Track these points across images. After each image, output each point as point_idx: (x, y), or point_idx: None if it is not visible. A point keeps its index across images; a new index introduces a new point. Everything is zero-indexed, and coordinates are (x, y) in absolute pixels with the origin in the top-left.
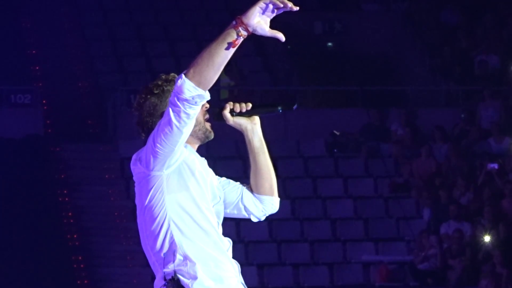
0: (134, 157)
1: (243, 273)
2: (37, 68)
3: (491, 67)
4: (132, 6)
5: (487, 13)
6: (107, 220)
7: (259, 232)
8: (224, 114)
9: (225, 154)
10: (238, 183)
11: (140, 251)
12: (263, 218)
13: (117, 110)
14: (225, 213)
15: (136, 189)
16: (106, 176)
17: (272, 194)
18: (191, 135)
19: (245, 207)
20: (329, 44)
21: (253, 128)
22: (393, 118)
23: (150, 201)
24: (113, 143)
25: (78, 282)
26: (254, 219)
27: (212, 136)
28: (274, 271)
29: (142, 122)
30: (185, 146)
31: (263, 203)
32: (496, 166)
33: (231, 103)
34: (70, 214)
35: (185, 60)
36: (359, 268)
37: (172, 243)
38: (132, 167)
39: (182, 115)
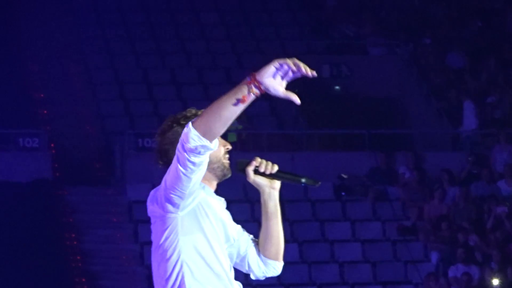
0: (152, 193)
1: None
2: (44, 111)
3: (501, 110)
4: (139, 50)
5: (491, 55)
6: (114, 264)
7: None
8: (247, 170)
9: (233, 197)
10: (251, 237)
11: None
12: (262, 279)
13: (125, 153)
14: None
15: (152, 227)
16: (114, 219)
17: (277, 259)
18: (209, 171)
19: (248, 264)
20: (337, 87)
21: (270, 192)
22: (400, 161)
23: (164, 241)
24: (120, 187)
25: None
26: (253, 277)
27: (229, 174)
28: None
29: (162, 150)
30: (203, 187)
31: (266, 266)
32: (505, 209)
33: (258, 159)
34: (78, 258)
35: (192, 103)
36: None
37: (182, 285)
38: (148, 204)
39: (188, 163)
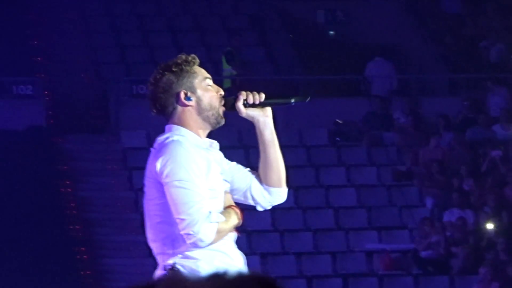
0: (158, 164)
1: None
2: (39, 59)
3: (495, 55)
4: None
5: (489, 1)
6: (110, 211)
7: (262, 221)
8: (237, 106)
9: (227, 143)
10: (248, 169)
11: (143, 241)
12: (269, 208)
13: (120, 101)
14: (232, 197)
15: (147, 181)
16: (109, 167)
17: (280, 186)
18: (203, 119)
19: (252, 196)
20: (332, 32)
21: (265, 121)
22: (396, 106)
23: (161, 195)
24: (115, 134)
25: (81, 273)
26: (260, 209)
27: (223, 122)
28: (277, 260)
29: (155, 98)
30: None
31: (271, 195)
32: (500, 153)
33: (244, 93)
34: (72, 205)
35: (187, 50)
36: (362, 256)
37: (179, 237)
38: (149, 165)
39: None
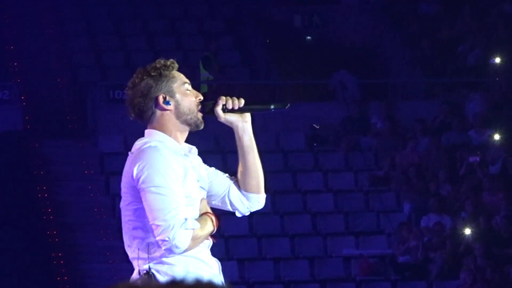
0: (135, 170)
1: (223, 267)
2: (15, 64)
3: (473, 60)
4: (111, 1)
5: (466, 3)
6: (86, 216)
7: (239, 226)
8: (216, 111)
9: (204, 148)
10: (226, 175)
11: (121, 246)
12: (247, 214)
13: (97, 105)
14: (209, 203)
15: (123, 187)
16: (86, 171)
17: (258, 192)
18: (181, 123)
19: (231, 202)
20: (308, 37)
21: (243, 126)
22: (373, 110)
23: (137, 201)
24: (92, 139)
25: (58, 278)
26: (239, 214)
27: (202, 126)
28: (255, 265)
29: (133, 103)
30: (161, 142)
31: (249, 201)
32: (477, 159)
33: (224, 98)
34: (49, 210)
35: (164, 54)
36: (340, 262)
37: (155, 242)
38: (126, 171)
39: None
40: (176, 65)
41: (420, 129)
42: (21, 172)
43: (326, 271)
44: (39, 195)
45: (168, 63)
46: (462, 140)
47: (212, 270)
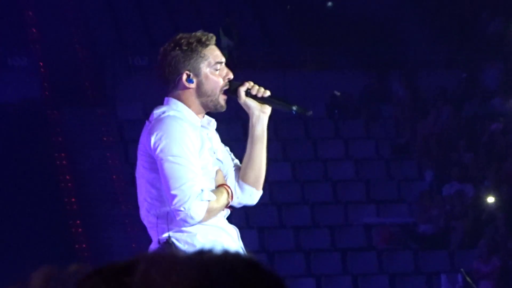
0: (153, 139)
1: (243, 237)
2: (34, 30)
3: (492, 28)
4: None
5: None
6: (105, 184)
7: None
8: (238, 91)
9: (224, 116)
10: (235, 161)
11: (139, 215)
12: (237, 206)
13: (116, 72)
14: None
15: (140, 155)
16: (104, 139)
17: (254, 186)
18: (200, 104)
19: None
20: (329, 4)
21: (259, 116)
22: (394, 79)
23: (153, 170)
24: (111, 106)
25: (76, 246)
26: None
27: (222, 109)
28: (275, 234)
29: (159, 68)
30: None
31: (243, 192)
32: (500, 126)
33: (251, 83)
34: (68, 178)
35: (182, 21)
36: (361, 230)
37: (171, 212)
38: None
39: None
40: (212, 41)
41: (441, 98)
42: (39, 140)
43: (347, 240)
44: (57, 163)
45: (203, 39)
46: (484, 109)
47: (232, 238)
